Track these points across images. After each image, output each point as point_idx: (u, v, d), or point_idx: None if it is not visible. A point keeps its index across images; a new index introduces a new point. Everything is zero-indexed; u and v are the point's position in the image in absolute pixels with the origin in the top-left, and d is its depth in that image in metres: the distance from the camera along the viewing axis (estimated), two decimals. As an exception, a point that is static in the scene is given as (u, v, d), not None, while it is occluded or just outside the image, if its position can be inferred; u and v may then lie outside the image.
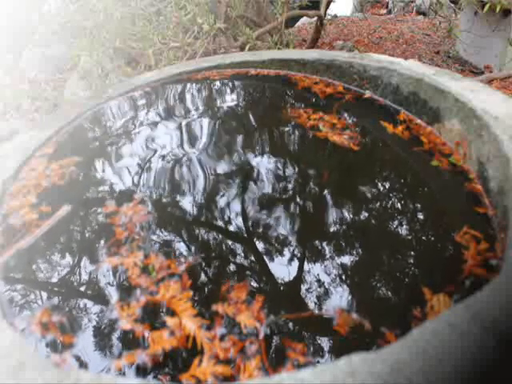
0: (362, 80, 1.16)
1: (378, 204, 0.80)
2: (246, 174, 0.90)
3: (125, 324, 0.60)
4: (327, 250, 0.71)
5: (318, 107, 1.11)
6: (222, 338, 0.56)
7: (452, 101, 0.94)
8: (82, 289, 0.67)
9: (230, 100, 1.21)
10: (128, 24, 2.60)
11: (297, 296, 0.64)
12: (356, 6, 5.70)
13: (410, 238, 0.73)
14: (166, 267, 0.68)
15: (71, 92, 2.75)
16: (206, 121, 1.12)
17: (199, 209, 0.82)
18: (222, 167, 0.93)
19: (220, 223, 0.78)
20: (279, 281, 0.66)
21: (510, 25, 3.18)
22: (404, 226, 0.75)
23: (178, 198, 0.85)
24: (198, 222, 0.79)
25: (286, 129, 1.05)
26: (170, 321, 0.59)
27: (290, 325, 0.59)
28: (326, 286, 0.65)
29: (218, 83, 1.27)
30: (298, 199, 0.83)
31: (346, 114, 1.07)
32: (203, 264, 0.69)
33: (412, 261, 0.69)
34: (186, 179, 0.90)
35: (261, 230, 0.76)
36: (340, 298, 0.63)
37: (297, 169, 0.92)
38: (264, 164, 0.93)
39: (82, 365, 0.56)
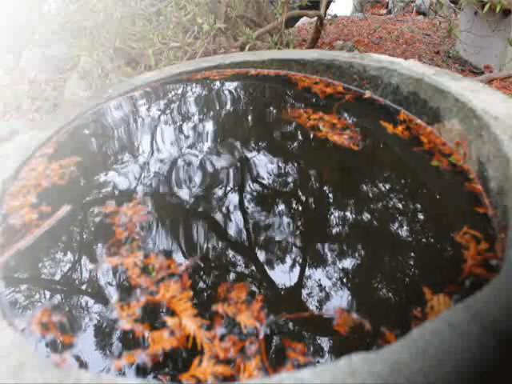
0: (362, 80, 1.16)
1: (378, 204, 0.80)
2: (246, 174, 0.90)
3: (125, 324, 0.60)
4: (327, 250, 0.71)
5: (318, 107, 1.11)
6: (221, 338, 0.56)
7: (452, 101, 0.94)
8: (82, 288, 0.67)
9: (230, 100, 1.21)
10: (128, 24, 2.60)
11: (297, 296, 0.64)
12: (356, 6, 5.70)
13: (409, 238, 0.73)
14: (166, 267, 0.68)
15: (71, 92, 2.75)
16: (205, 121, 1.12)
17: (199, 209, 0.82)
18: (222, 167, 0.93)
19: (220, 223, 0.78)
20: (279, 281, 0.66)
21: (510, 25, 3.18)
22: (404, 226, 0.75)
23: (178, 198, 0.85)
24: (198, 222, 0.79)
25: (287, 129, 1.05)
26: (170, 321, 0.59)
27: (290, 325, 0.59)
28: (326, 286, 0.65)
29: (218, 83, 1.27)
30: (297, 199, 0.83)
31: (346, 114, 1.07)
32: (203, 264, 0.69)
33: (412, 261, 0.69)
34: (185, 179, 0.90)
35: (261, 230, 0.76)
36: (340, 297, 0.63)
37: (297, 169, 0.92)
38: (264, 164, 0.92)
39: (82, 365, 0.56)
